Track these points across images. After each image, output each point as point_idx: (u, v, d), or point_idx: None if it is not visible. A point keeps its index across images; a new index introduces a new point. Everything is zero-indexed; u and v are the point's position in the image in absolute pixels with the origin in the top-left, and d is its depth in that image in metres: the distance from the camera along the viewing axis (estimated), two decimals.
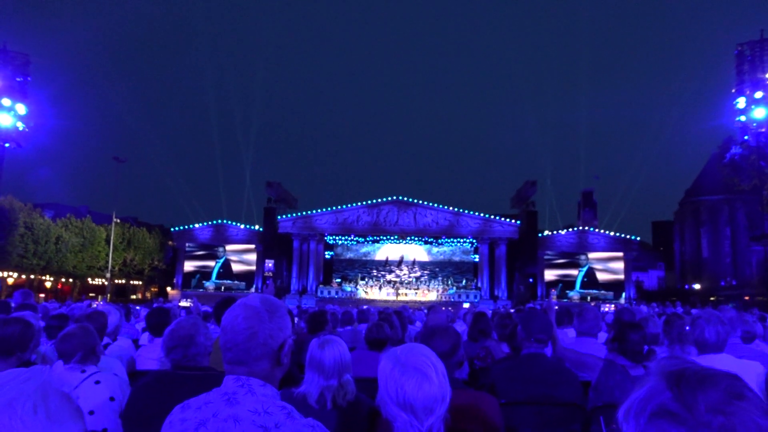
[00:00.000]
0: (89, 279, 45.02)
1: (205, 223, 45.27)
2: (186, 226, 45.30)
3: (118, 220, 45.21)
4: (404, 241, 45.12)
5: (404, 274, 46.07)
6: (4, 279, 38.58)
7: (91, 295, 42.01)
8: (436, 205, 42.27)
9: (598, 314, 5.03)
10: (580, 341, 4.65)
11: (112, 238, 40.74)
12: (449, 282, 44.06)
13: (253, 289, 43.50)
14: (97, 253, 43.61)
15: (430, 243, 45.42)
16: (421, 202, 42.17)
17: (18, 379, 0.91)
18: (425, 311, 16.31)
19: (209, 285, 44.33)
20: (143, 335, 6.89)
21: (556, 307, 5.13)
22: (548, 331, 3.71)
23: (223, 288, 43.98)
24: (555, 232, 43.29)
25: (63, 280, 43.58)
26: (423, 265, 46.23)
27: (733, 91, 31.60)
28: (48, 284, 43.01)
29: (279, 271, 41.73)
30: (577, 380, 3.55)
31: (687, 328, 4.24)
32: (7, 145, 31.58)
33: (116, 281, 47.05)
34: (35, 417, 0.89)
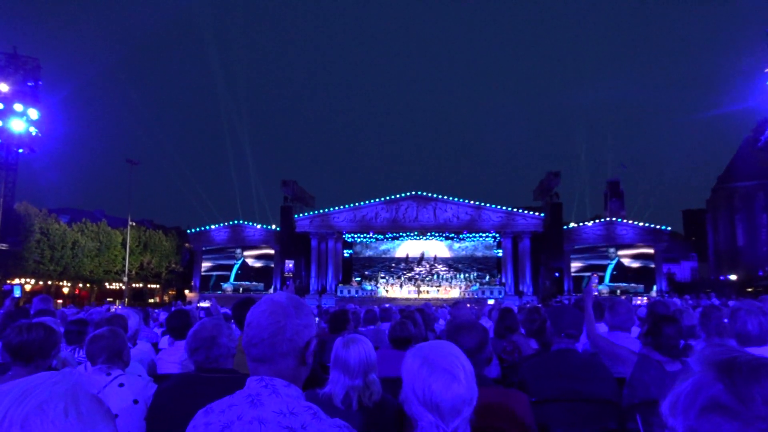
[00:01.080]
0: (106, 283, 45.80)
1: (221, 225, 45.69)
2: (202, 228, 45.78)
3: (134, 224, 45.89)
4: (424, 237, 45.05)
5: (425, 271, 46.02)
6: (21, 286, 39.38)
7: (108, 299, 42.69)
8: (456, 199, 42.13)
9: (631, 307, 4.97)
10: (612, 336, 4.59)
11: (128, 241, 41.31)
12: (472, 278, 43.91)
13: (271, 290, 43.83)
14: (114, 257, 44.30)
15: (452, 238, 45.29)
16: (440, 196, 42.05)
17: (48, 381, 0.93)
18: (448, 309, 16.28)
19: (227, 286, 44.80)
20: (163, 339, 6.99)
21: (596, 293, 5.08)
22: (579, 326, 3.67)
23: (241, 289, 44.37)
24: (581, 224, 42.85)
25: (80, 285, 44.40)
26: (444, 262, 46.14)
27: (766, 71, 30.93)
28: (66, 290, 43.85)
29: (297, 271, 41.97)
30: (611, 376, 3.51)
31: (725, 320, 4.16)
32: (20, 150, 32.18)
33: (133, 285, 47.77)
34: (66, 420, 0.90)
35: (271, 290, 43.75)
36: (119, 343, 3.18)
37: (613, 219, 43.04)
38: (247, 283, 44.87)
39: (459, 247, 46.45)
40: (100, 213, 57.71)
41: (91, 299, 43.71)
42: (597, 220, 43.19)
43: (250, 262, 45.38)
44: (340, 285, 43.23)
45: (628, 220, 42.62)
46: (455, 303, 6.97)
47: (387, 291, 42.40)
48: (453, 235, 44.03)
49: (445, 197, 42.12)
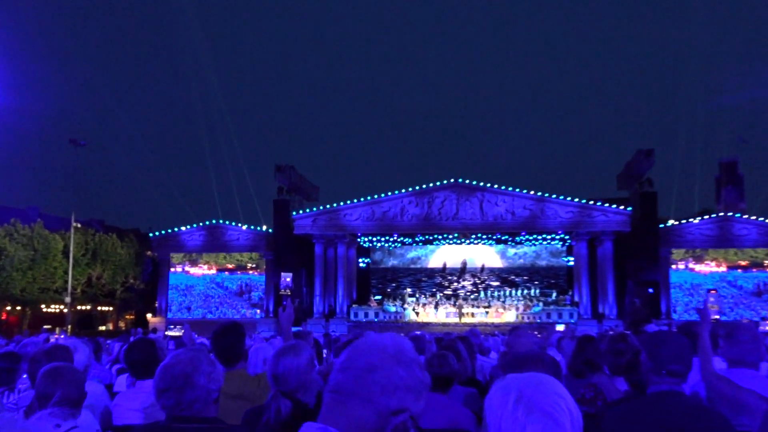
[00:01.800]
0: (43, 305, 46.68)
1: (194, 225, 46.25)
2: (169, 230, 46.37)
3: (79, 225, 46.61)
4: (468, 241, 44.98)
5: (469, 287, 45.95)
6: None
7: (45, 327, 43.41)
8: (511, 188, 41.98)
9: (758, 335, 4.88)
10: (733, 374, 4.51)
11: (71, 248, 42.05)
12: (533, 296, 43.84)
13: (258, 313, 44.20)
14: (53, 270, 45.09)
15: (505, 242, 45.13)
16: (489, 185, 41.92)
17: None
18: (502, 337, 16.24)
19: (204, 309, 45.31)
20: (119, 378, 7.09)
21: (715, 316, 5.02)
22: (687, 361, 3.61)
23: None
24: (684, 222, 42.38)
25: (8, 308, 45.27)
26: (495, 274, 46.16)
27: None
28: None
29: (297, 287, 42.28)
30: (732, 430, 3.46)
31: None
32: None
33: (79, 307, 48.61)
34: None
35: (257, 313, 44.13)
36: (78, 381, 3.24)
37: (729, 214, 42.44)
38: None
39: (515, 254, 46.30)
40: (34, 212, 58.64)
41: (23, 326, 44.48)
42: (706, 216, 42.65)
43: (233, 274, 45.82)
44: (354, 306, 43.40)
45: (749, 216, 41.96)
46: (513, 329, 6.94)
47: (417, 314, 42.48)
48: (507, 237, 43.90)
49: (496, 186, 41.99)
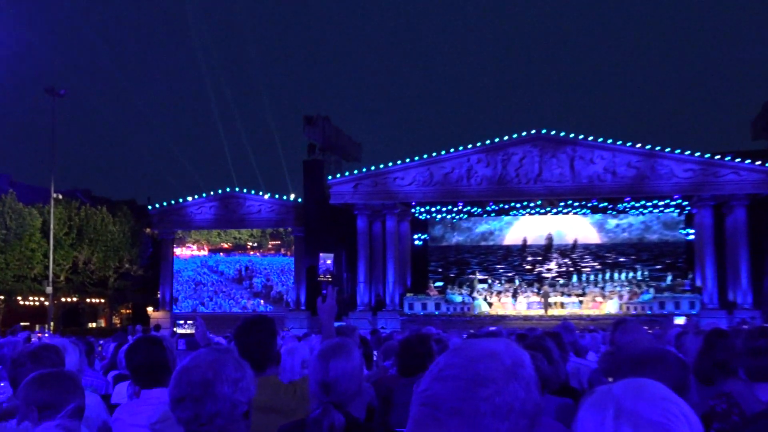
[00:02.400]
0: (18, 297, 47.83)
1: (204, 195, 46.85)
2: (173, 202, 47.07)
3: (60, 196, 47.54)
4: (555, 210, 44.68)
5: (557, 269, 45.74)
6: None
7: (22, 324, 44.59)
8: (610, 141, 41.43)
9: None
10: None
11: (51, 225, 42.90)
12: (641, 280, 43.44)
13: (284, 304, 44.71)
14: (30, 253, 46.11)
15: (603, 211, 44.73)
16: (582, 137, 41.43)
17: None
18: (602, 334, 16.11)
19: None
20: (118, 387, 7.23)
21: None
22: None
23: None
24: None
25: None
26: (591, 252, 45.80)
27: None
28: None
29: (336, 271, 42.58)
30: None
31: None
32: None
33: (63, 299, 49.75)
34: None
35: (284, 304, 44.64)
36: (82, 390, 3.33)
37: None
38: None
39: (617, 227, 45.91)
40: (3, 180, 59.98)
41: None
42: None
43: (254, 255, 46.40)
44: (408, 295, 43.59)
45: None
46: (618, 324, 6.87)
47: (491, 304, 42.53)
48: (606, 204, 43.54)
49: (591, 138, 41.49)
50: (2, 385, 5.75)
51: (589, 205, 43.72)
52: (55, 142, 42.76)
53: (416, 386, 3.05)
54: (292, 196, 46.50)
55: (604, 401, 1.89)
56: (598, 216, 45.56)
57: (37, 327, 39.72)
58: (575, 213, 45.21)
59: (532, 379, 1.76)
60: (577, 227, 46.01)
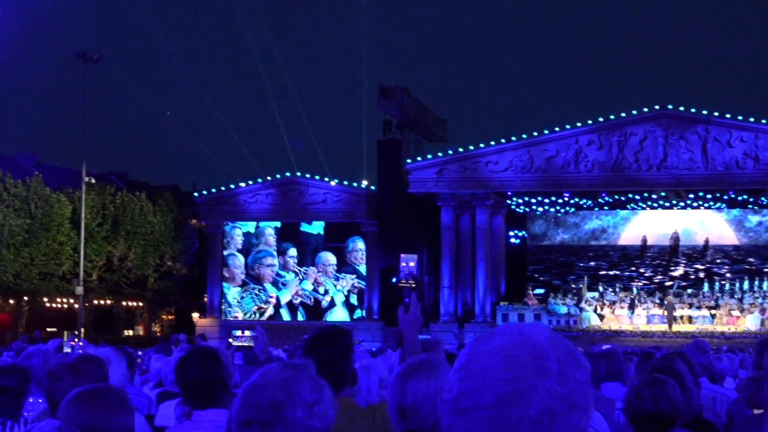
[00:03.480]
0: (45, 299, 48.77)
1: (259, 181, 47.27)
2: (223, 188, 47.55)
3: (93, 180, 48.36)
4: (682, 203, 44.01)
5: (683, 275, 45.13)
6: None
7: (49, 329, 45.43)
8: (752, 120, 40.67)
9: None
10: None
11: (83, 214, 43.59)
12: None
13: (358, 314, 44.89)
14: (58, 246, 46.96)
15: (743, 205, 43.96)
16: (717, 115, 40.74)
17: None
18: (741, 355, 15.79)
19: (264, 306, 46.43)
20: (162, 406, 7.35)
21: None
22: None
23: (301, 312, 45.81)
24: None
25: None
26: (727, 255, 45.23)
27: None
28: None
29: (418, 275, 42.57)
30: None
31: None
32: None
33: (95, 302, 50.64)
34: None
35: (357, 314, 44.80)
36: (128, 407, 3.42)
37: None
38: (314, 296, 46.29)
39: (759, 224, 45.24)
40: (29, 160, 61.27)
41: (18, 328, 46.68)
42: None
43: (320, 255, 46.70)
44: (502, 304, 43.43)
45: None
46: (765, 343, 6.77)
47: (602, 317, 42.16)
48: (746, 197, 42.71)
49: (728, 116, 40.78)
50: (32, 400, 5.89)
51: (725, 197, 42.96)
52: (86, 116, 43.46)
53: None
54: (364, 183, 46.66)
55: None
56: (736, 211, 44.78)
57: (66, 334, 40.34)
58: (707, 207, 44.50)
59: (568, 363, 1.75)
60: (709, 225, 45.34)
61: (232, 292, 47.13)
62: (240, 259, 47.36)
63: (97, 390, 3.59)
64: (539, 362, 1.70)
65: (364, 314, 45.04)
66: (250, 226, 47.31)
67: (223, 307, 46.83)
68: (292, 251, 47.15)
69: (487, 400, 1.68)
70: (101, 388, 3.61)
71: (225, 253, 47.26)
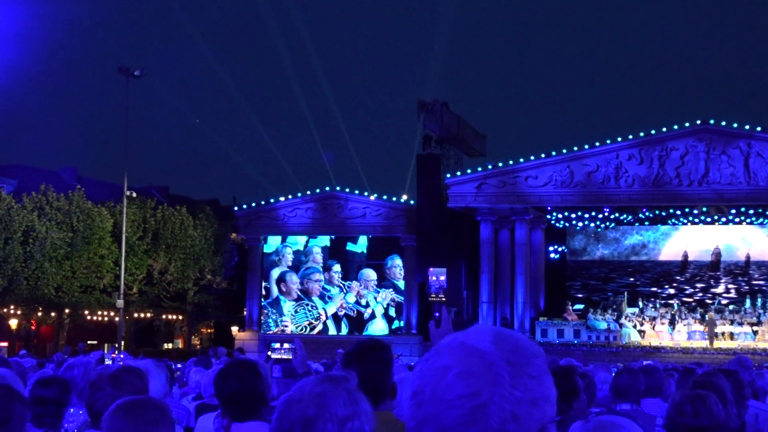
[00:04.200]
0: (86, 311, 49.20)
1: (298, 196, 47.40)
2: (263, 203, 47.72)
3: (134, 194, 48.78)
4: (723, 218, 43.68)
5: (726, 291, 44.78)
6: None
7: (90, 342, 45.83)
8: None
9: None
10: None
11: (123, 228, 43.86)
12: None
13: (394, 326, 44.89)
14: (99, 260, 47.39)
15: None
16: (760, 129, 40.50)
17: None
18: None
19: (313, 321, 46.54)
20: (202, 418, 7.37)
21: None
22: None
23: (345, 323, 45.86)
24: None
25: (39, 313, 47.97)
26: None
27: None
28: (12, 321, 47.68)
29: (454, 289, 42.53)
30: None
31: None
32: None
33: (135, 315, 51.02)
34: None
35: (393, 326, 44.80)
36: (169, 419, 3.43)
37: None
38: (356, 307, 46.35)
39: None
40: (70, 174, 61.96)
41: (59, 341, 47.14)
42: None
43: (359, 269, 46.79)
44: (541, 320, 43.28)
45: None
46: None
47: (643, 333, 41.95)
48: None
49: None
50: (72, 411, 5.92)
51: None
52: (128, 130, 43.73)
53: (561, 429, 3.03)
54: (403, 198, 46.64)
55: None
56: None
57: (106, 347, 40.67)
58: (750, 223, 44.11)
59: (518, 361, 1.74)
60: (751, 240, 44.93)
61: (288, 306, 47.28)
62: (294, 275, 47.46)
63: (139, 402, 3.61)
64: (490, 371, 1.69)
65: (402, 325, 45.04)
66: (300, 244, 47.60)
67: (274, 317, 47.05)
68: (337, 267, 47.34)
69: (449, 422, 1.67)
70: (143, 399, 3.63)
71: (279, 270, 47.43)
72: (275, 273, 47.37)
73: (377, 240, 46.43)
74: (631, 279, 46.53)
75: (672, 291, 45.68)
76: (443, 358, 1.74)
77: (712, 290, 45.05)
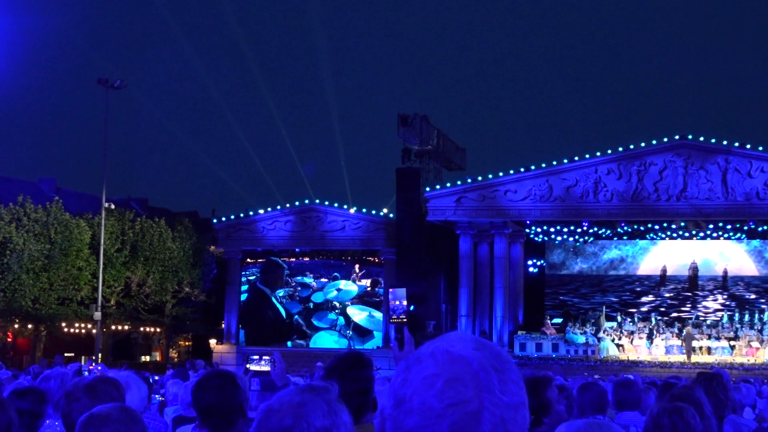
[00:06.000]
0: (63, 324, 48.91)
1: (278, 209, 47.44)
2: (242, 215, 47.70)
3: (113, 206, 48.62)
4: (701, 234, 43.88)
5: (703, 307, 44.96)
6: None
7: (67, 355, 45.59)
8: None
9: None
10: None
11: (102, 240, 43.80)
12: None
13: (375, 338, 44.85)
14: (77, 272, 47.10)
15: (764, 236, 43.78)
16: (737, 145, 40.78)
17: None
18: (762, 386, 15.68)
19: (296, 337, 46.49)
20: (180, 430, 7.30)
21: None
22: None
23: (329, 335, 45.81)
24: None
25: (17, 325, 47.73)
26: (748, 286, 45.15)
27: None
28: None
29: (431, 303, 42.55)
30: None
31: None
32: None
33: (113, 327, 50.75)
34: None
35: (375, 338, 44.77)
36: (142, 428, 3.37)
37: None
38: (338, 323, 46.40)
39: None
40: (49, 185, 61.64)
41: (36, 352, 46.88)
42: None
43: (340, 284, 46.77)
44: (520, 333, 43.37)
45: None
46: None
47: (621, 347, 42.08)
48: (766, 228, 42.62)
49: (749, 146, 40.83)
50: (48, 422, 5.85)
51: (745, 228, 42.80)
52: (107, 142, 43.69)
53: None
54: (384, 211, 46.68)
55: None
56: (757, 242, 44.60)
57: (83, 359, 40.49)
58: (727, 238, 44.35)
59: (503, 367, 1.75)
60: (729, 255, 45.18)
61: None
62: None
63: (111, 409, 3.54)
64: (478, 377, 1.69)
65: (380, 342, 45.05)
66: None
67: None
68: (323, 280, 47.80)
69: (441, 430, 1.67)
70: (116, 407, 3.56)
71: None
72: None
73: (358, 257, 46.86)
74: (610, 293, 46.70)
75: (650, 305, 45.86)
76: (428, 366, 1.73)
77: (690, 305, 45.22)
